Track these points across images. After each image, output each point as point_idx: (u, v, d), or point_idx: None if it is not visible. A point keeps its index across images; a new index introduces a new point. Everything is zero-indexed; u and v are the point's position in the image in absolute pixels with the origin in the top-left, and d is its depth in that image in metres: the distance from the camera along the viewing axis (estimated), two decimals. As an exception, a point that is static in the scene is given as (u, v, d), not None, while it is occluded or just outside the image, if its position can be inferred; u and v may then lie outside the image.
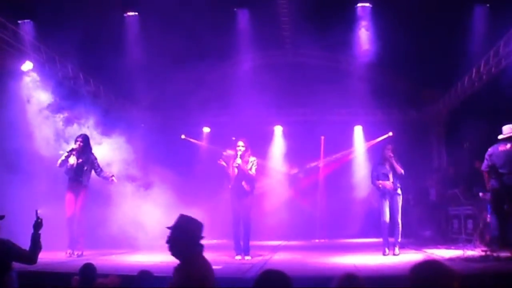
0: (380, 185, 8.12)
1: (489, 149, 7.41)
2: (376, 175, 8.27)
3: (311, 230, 12.64)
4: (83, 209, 8.09)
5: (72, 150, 8.09)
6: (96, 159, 8.38)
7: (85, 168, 8.17)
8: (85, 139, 8.27)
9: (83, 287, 4.73)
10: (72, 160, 8.07)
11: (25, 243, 4.38)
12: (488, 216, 8.68)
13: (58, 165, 8.06)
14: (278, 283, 2.67)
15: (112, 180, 8.45)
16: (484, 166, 7.43)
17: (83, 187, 8.13)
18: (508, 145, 7.24)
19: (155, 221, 10.07)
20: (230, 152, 8.06)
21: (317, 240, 11.20)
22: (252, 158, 7.88)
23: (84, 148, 8.20)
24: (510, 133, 7.31)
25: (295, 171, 13.72)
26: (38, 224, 4.49)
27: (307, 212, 12.90)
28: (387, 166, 8.16)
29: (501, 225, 7.14)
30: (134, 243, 9.36)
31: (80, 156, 8.14)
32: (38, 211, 4.55)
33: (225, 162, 7.87)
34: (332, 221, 12.72)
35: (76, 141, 8.19)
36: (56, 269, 6.17)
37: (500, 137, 7.40)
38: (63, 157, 8.05)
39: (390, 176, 8.10)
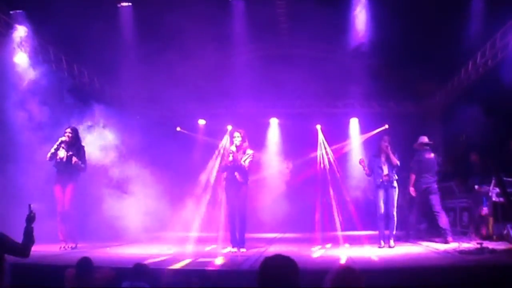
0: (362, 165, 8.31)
1: (416, 156, 8.72)
2: (371, 167, 8.28)
3: (308, 222, 12.62)
4: (73, 201, 7.98)
5: (61, 142, 7.96)
6: (84, 152, 8.24)
7: (74, 160, 8.01)
8: (74, 131, 8.13)
9: (79, 280, 4.71)
10: (62, 153, 7.95)
11: (15, 235, 4.34)
12: (484, 208, 8.72)
13: (48, 158, 7.94)
14: (283, 267, 2.62)
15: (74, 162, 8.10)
16: (415, 170, 8.65)
17: (73, 180, 8.03)
18: (432, 155, 8.62)
19: (149, 213, 10.08)
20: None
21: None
22: (249, 151, 7.86)
23: (74, 140, 8.06)
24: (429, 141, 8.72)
25: (290, 166, 13.68)
26: (31, 218, 4.45)
27: (303, 205, 12.89)
28: (383, 158, 8.16)
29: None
30: (128, 236, 9.33)
31: (70, 149, 8.00)
32: (32, 205, 4.51)
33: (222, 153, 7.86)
34: (328, 213, 12.72)
35: (65, 132, 8.04)
36: (50, 262, 6.13)
37: (423, 141, 8.79)
38: (52, 150, 7.92)
39: (385, 168, 8.09)
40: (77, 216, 8.15)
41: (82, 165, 8.10)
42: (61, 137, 8.03)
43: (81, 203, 8.42)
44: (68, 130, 8.07)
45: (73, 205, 7.99)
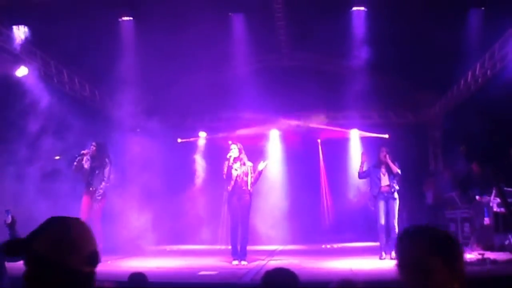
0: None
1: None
2: (369, 176, 8.33)
3: (309, 234, 12.60)
4: (98, 214, 8.10)
5: (83, 154, 8.20)
6: (107, 166, 8.29)
7: (97, 172, 8.24)
8: (99, 145, 8.38)
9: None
10: (86, 164, 8.24)
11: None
12: (486, 219, 8.71)
13: (73, 170, 8.24)
14: (285, 280, 2.68)
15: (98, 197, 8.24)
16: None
17: (97, 193, 8.16)
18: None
19: (150, 226, 10.07)
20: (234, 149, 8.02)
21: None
22: (249, 163, 7.93)
23: (98, 153, 8.28)
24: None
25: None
26: (12, 224, 4.41)
27: (304, 217, 12.86)
28: (383, 169, 8.18)
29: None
30: (128, 249, 9.31)
31: (94, 161, 8.27)
32: (9, 211, 4.46)
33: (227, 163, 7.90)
34: (329, 225, 12.69)
35: (90, 145, 8.32)
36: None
37: None
38: (75, 162, 8.19)
39: (385, 179, 8.11)
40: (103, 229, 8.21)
41: (104, 181, 8.23)
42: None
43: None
44: (93, 143, 8.34)
45: (99, 217, 8.11)
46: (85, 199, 8.17)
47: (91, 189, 8.18)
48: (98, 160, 8.29)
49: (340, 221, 12.74)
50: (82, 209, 8.08)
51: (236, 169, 7.81)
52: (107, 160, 8.33)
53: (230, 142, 8.16)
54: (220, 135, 13.04)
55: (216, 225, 12.39)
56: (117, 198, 9.57)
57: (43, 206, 8.00)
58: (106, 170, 8.25)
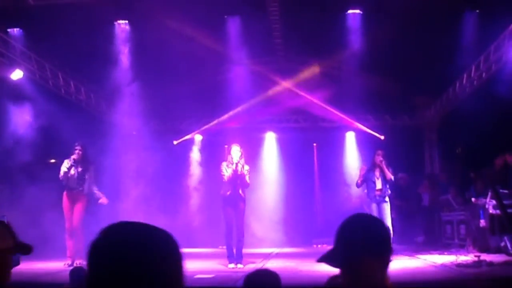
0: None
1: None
2: (365, 180, 8.35)
3: (305, 236, 12.59)
4: (82, 218, 7.97)
5: (74, 161, 7.98)
6: (94, 169, 8.23)
7: (86, 176, 8.06)
8: (83, 147, 8.13)
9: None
10: (73, 170, 7.98)
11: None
12: (481, 221, 8.72)
13: (61, 177, 7.95)
14: (266, 282, 2.65)
15: (101, 202, 8.23)
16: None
17: (82, 196, 8.03)
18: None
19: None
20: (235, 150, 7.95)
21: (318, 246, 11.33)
22: (246, 167, 7.90)
23: (83, 156, 8.08)
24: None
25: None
26: None
27: (300, 219, 12.86)
28: (377, 173, 8.20)
29: None
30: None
31: (80, 165, 8.03)
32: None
33: (226, 166, 7.85)
34: (324, 227, 12.67)
35: (75, 149, 8.03)
36: (47, 279, 6.10)
37: None
38: (65, 169, 7.93)
39: (378, 183, 8.13)
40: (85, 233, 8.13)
41: (100, 200, 8.16)
42: (71, 154, 8.02)
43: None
44: (78, 147, 8.04)
45: (82, 222, 7.98)
46: (68, 205, 7.94)
47: (79, 189, 7.96)
48: (84, 163, 8.07)
49: (336, 223, 12.71)
50: (68, 216, 7.89)
51: (235, 172, 7.79)
52: (91, 162, 8.21)
53: (226, 146, 8.13)
54: (216, 138, 13.02)
55: (213, 227, 12.34)
56: (113, 201, 9.56)
57: (33, 208, 7.95)
58: (93, 174, 8.16)
